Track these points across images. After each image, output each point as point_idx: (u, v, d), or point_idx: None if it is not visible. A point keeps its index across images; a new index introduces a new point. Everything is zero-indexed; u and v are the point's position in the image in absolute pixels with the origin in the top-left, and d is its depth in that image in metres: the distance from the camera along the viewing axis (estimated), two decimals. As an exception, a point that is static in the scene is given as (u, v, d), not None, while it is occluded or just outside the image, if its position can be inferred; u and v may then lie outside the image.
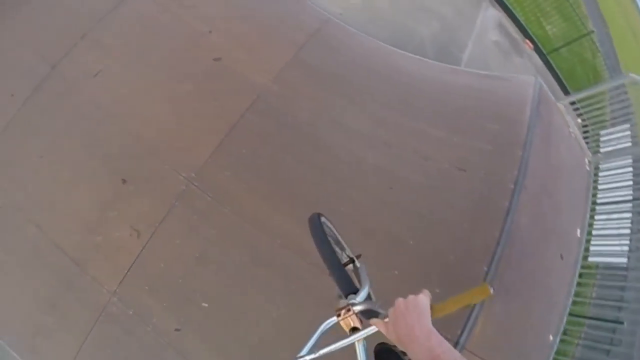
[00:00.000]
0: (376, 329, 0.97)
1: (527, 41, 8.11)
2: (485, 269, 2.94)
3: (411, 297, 0.88)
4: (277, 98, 3.62)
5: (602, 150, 5.13)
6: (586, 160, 4.91)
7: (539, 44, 8.33)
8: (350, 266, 1.42)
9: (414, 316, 0.84)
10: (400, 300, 0.89)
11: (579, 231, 4.21)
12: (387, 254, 3.10)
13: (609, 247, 4.65)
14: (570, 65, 9.55)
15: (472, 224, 3.18)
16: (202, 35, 3.91)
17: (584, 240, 4.25)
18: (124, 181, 3.39)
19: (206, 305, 3.07)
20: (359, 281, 1.24)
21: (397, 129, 3.65)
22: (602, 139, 5.32)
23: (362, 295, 1.08)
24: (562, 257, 3.76)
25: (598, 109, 5.34)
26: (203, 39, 3.89)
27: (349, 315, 1.01)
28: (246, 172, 3.37)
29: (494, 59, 6.27)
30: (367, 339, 1.01)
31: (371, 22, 4.59)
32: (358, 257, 1.39)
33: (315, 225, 1.36)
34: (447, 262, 3.04)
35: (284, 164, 3.39)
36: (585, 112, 5.46)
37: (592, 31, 9.06)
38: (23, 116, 3.78)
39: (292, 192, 3.29)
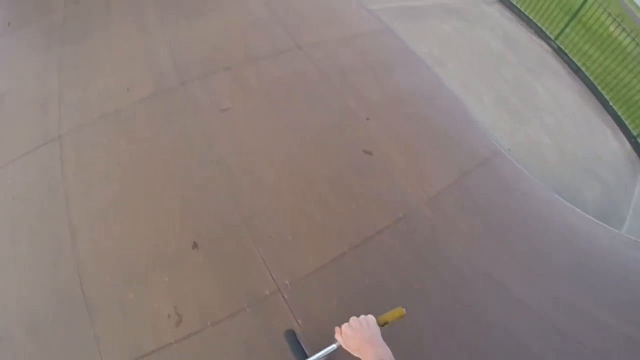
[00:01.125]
0: (336, 346, 1.18)
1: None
2: None
3: (363, 316, 1.14)
4: (427, 225, 2.78)
5: None
6: None
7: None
8: None
9: (372, 330, 1.10)
10: (355, 318, 1.13)
11: None
12: None
13: None
14: None
15: None
16: (358, 119, 3.31)
17: None
18: (195, 245, 2.63)
19: None
20: None
21: (573, 314, 2.60)
22: None
23: None
24: None
25: None
26: (358, 124, 3.28)
27: None
28: (361, 310, 2.43)
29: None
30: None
31: (537, 168, 3.84)
32: None
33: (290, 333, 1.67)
34: None
35: (414, 314, 2.42)
36: None
37: None
38: (127, 114, 3.42)
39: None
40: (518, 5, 7.09)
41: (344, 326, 1.13)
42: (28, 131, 3.48)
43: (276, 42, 4.06)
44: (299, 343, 1.66)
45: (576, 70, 7.09)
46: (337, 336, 1.14)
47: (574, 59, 7.00)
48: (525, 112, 4.60)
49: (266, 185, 2.93)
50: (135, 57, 4.02)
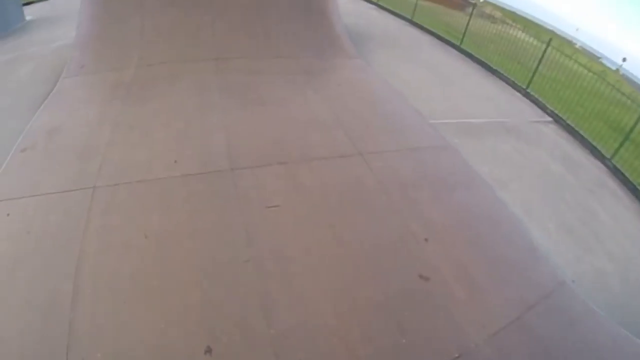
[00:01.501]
0: None
1: None
2: None
3: None
4: (486, 367, 2.53)
5: None
6: None
7: None
8: None
9: None
10: None
11: None
12: None
13: None
14: None
15: None
16: (416, 239, 3.21)
17: None
18: (208, 350, 2.31)
19: None
20: None
21: None
22: None
23: None
24: None
25: None
26: (415, 245, 3.18)
27: None
28: None
29: None
30: None
31: (601, 298, 3.54)
32: None
33: None
34: None
35: None
36: None
37: None
38: (167, 186, 3.37)
39: None
40: (573, 125, 7.14)
41: None
42: (65, 172, 3.40)
43: (336, 146, 4.12)
44: None
45: (633, 190, 6.83)
46: None
47: (630, 178, 6.79)
48: (588, 238, 4.39)
49: (305, 301, 2.66)
50: (189, 133, 4.00)
